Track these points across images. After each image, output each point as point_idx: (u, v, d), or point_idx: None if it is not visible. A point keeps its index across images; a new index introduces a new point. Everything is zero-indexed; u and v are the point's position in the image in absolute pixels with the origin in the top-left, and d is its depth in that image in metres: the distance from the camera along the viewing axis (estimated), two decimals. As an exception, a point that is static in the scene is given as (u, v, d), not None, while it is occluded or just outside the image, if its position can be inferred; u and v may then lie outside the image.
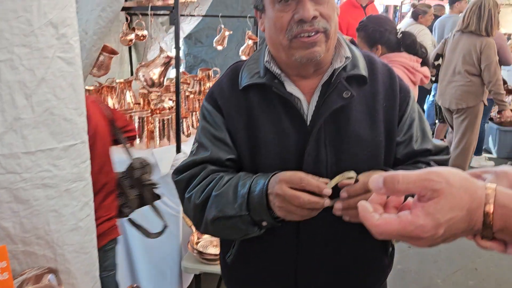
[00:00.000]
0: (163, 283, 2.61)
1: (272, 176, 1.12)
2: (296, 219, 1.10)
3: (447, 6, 6.34)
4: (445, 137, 5.71)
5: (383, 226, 0.62)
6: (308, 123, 1.21)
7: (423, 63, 2.57)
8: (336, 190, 1.07)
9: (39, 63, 1.31)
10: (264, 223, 1.14)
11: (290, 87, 1.22)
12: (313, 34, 1.13)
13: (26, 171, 1.35)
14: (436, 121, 5.87)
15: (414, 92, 2.52)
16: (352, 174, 1.08)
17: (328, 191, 1.05)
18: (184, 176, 1.28)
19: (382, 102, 1.24)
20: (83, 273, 1.48)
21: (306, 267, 1.26)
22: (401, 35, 2.50)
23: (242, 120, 1.25)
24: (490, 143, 5.80)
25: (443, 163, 1.31)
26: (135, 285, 1.23)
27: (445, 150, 1.34)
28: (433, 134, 5.98)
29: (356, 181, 1.07)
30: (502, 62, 4.25)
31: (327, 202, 1.05)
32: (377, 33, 2.48)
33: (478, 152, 5.27)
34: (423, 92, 5.63)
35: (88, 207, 1.47)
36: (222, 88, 1.30)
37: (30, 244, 1.43)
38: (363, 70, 1.23)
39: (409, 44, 2.49)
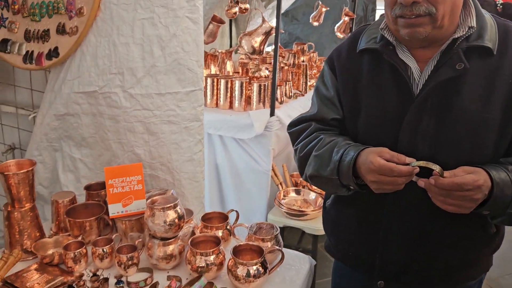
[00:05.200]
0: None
1: (362, 150, 1.18)
2: (388, 191, 1.14)
3: None
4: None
5: None
6: (418, 92, 1.19)
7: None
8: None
9: (173, 21, 1.61)
10: (352, 187, 1.24)
11: (403, 55, 1.21)
12: (413, 17, 1.11)
13: (157, 108, 1.68)
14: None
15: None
16: (437, 168, 1.07)
17: (416, 169, 1.09)
18: (295, 130, 1.41)
19: (507, 78, 1.13)
20: (194, 197, 1.80)
21: (391, 217, 1.26)
22: (501, 6, 2.51)
23: (351, 83, 1.29)
24: None
25: None
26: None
27: None
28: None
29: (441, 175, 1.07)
30: None
31: (415, 177, 1.11)
32: None
33: None
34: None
35: (201, 143, 1.77)
36: (340, 50, 1.35)
37: (155, 169, 1.77)
38: (488, 41, 1.14)
39: (510, 14, 2.50)
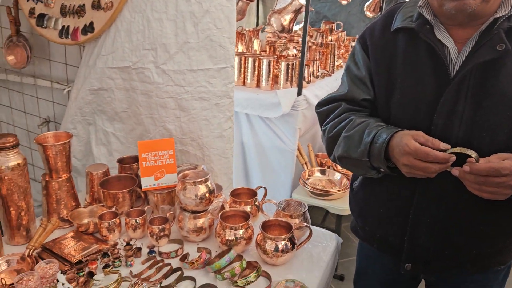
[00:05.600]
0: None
1: (395, 132, 1.16)
2: (419, 176, 1.12)
3: None
4: None
5: None
6: (454, 73, 1.15)
7: None
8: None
9: (206, -3, 1.61)
10: (382, 170, 1.22)
11: (441, 34, 1.17)
12: None
13: (188, 85, 1.71)
14: None
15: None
16: (473, 154, 1.04)
17: (453, 158, 1.05)
18: (323, 110, 1.39)
19: None
20: (222, 173, 1.83)
21: (422, 201, 1.25)
22: None
23: (385, 62, 1.26)
24: None
25: None
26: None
27: None
28: None
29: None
30: None
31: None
32: None
33: None
34: None
35: (230, 120, 1.79)
36: (374, 29, 1.31)
37: (186, 145, 1.81)
38: None
39: None
